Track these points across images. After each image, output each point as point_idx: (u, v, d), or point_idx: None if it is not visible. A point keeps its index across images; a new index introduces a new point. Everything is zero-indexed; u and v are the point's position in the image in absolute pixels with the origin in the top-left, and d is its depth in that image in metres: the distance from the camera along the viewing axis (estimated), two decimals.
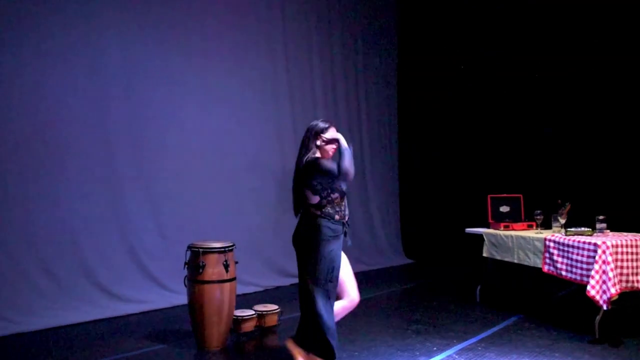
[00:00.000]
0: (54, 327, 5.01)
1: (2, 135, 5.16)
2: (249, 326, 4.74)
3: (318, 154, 3.73)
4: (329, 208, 3.55)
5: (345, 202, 3.69)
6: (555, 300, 5.75)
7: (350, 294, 3.79)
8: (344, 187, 3.70)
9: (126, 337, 4.80)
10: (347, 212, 3.68)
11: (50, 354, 4.31)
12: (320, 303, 3.45)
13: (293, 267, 7.08)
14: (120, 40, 5.96)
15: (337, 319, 3.65)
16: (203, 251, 4.38)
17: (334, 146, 3.74)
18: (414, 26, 9.30)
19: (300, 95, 7.91)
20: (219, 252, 4.42)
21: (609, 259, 4.40)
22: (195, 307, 4.40)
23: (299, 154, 3.76)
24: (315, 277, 3.48)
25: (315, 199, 3.55)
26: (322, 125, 3.81)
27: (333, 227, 3.53)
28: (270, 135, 7.43)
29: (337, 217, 3.55)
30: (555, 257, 4.83)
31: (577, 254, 4.60)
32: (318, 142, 3.75)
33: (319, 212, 3.53)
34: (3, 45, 5.15)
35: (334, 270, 3.52)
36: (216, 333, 4.40)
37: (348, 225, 3.68)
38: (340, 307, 3.74)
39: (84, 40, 5.69)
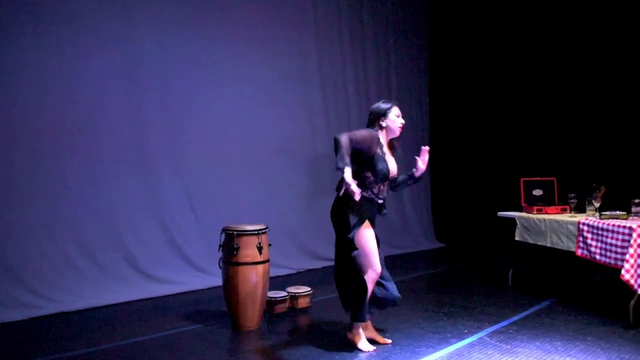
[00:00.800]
0: (95, 306, 5.18)
1: (42, 123, 5.30)
2: (282, 307, 4.86)
3: (382, 136, 3.90)
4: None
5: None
6: (590, 285, 5.69)
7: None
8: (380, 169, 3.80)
9: (163, 316, 4.94)
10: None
11: (91, 332, 4.46)
12: None
13: (325, 251, 7.32)
14: (154, 27, 6.05)
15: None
16: (237, 234, 4.48)
17: (399, 125, 3.94)
18: (446, 3, 9.18)
19: (331, 78, 7.93)
20: (253, 235, 4.51)
21: None
22: (229, 288, 4.51)
23: None
24: None
25: None
26: (384, 106, 3.94)
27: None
28: (301, 119, 7.49)
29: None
30: (589, 241, 4.79)
31: (612, 238, 4.56)
32: (383, 124, 3.89)
33: None
34: (40, 33, 5.28)
35: None
36: (250, 314, 4.50)
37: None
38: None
39: (118, 26, 5.80)
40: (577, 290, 5.60)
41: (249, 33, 6.90)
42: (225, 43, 6.67)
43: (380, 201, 3.91)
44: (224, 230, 4.58)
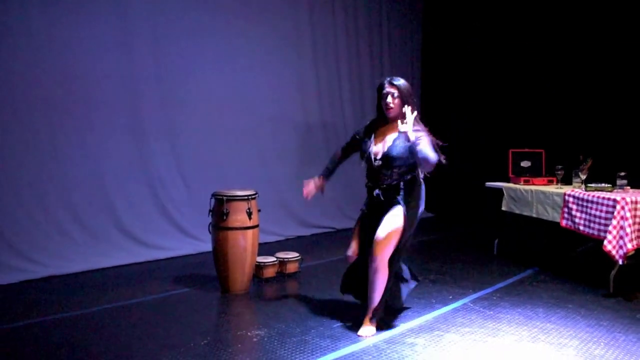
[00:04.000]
0: (85, 270, 5.22)
1: (32, 89, 5.25)
2: (270, 272, 4.93)
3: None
4: None
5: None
6: (574, 256, 5.80)
7: None
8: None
9: (152, 280, 4.99)
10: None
11: (81, 295, 4.51)
12: None
13: (313, 218, 7.37)
14: None
15: None
16: (227, 199, 4.51)
17: (384, 106, 3.74)
18: None
19: (323, 48, 7.90)
20: (243, 200, 4.54)
21: (628, 214, 4.43)
22: (219, 252, 4.56)
23: None
24: None
25: None
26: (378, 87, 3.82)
27: None
28: (292, 88, 7.49)
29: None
30: (573, 212, 4.88)
31: (596, 210, 4.64)
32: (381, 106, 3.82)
33: None
34: None
35: None
36: (239, 278, 4.56)
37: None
38: None
39: None
40: (561, 260, 5.71)
41: (242, 2, 6.83)
42: (218, 12, 6.59)
43: (372, 185, 3.76)
44: (214, 195, 4.61)
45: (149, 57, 6.05)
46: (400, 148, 3.62)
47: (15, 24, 5.12)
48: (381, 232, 3.58)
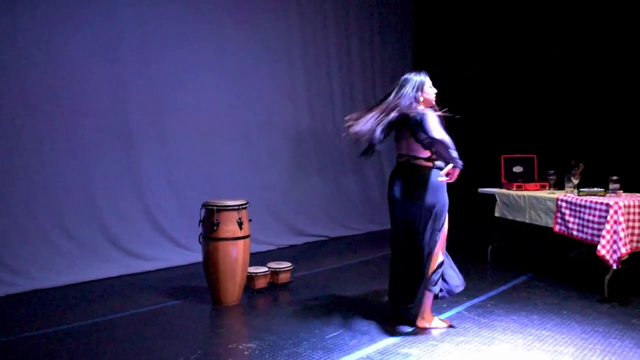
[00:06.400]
0: (73, 283, 5.13)
1: (18, 96, 5.18)
2: (262, 282, 4.87)
3: (421, 106, 3.97)
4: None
5: None
6: (566, 260, 5.78)
7: None
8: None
9: (143, 293, 4.91)
10: None
11: (69, 309, 4.43)
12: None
13: (306, 226, 7.32)
14: None
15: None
16: (217, 209, 4.45)
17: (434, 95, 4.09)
18: None
19: (314, 55, 7.87)
20: (233, 210, 4.49)
21: (621, 219, 4.40)
22: (210, 263, 4.49)
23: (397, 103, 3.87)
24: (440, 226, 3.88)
25: (426, 153, 3.89)
26: (420, 79, 4.05)
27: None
28: (283, 94, 7.45)
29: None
30: (567, 217, 4.85)
31: (589, 214, 4.62)
32: (420, 98, 4.04)
33: (431, 164, 3.88)
34: (19, 4, 5.13)
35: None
36: (231, 289, 4.50)
37: None
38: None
39: None
40: (555, 266, 5.68)
41: (231, 6, 6.80)
42: (206, 17, 6.55)
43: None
44: (204, 205, 4.55)
45: (138, 63, 5.98)
46: None
47: (0, 30, 5.05)
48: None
